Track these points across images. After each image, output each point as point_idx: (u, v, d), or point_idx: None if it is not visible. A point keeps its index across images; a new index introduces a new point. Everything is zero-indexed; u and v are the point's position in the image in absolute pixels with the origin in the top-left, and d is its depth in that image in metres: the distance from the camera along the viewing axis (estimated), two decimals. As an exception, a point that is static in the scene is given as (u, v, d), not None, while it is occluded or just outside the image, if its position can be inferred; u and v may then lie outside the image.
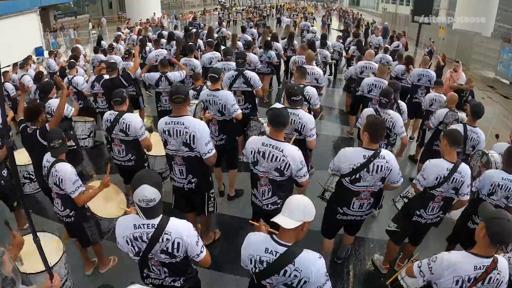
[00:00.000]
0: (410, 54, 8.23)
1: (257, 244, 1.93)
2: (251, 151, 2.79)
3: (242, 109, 4.84)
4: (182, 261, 2.10)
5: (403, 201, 3.52)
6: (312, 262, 1.83)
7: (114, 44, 10.05)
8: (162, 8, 27.97)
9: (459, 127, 3.99)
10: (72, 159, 4.62)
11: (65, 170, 2.83)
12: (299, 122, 3.47)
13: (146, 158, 4.06)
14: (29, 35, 14.77)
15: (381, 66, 5.55)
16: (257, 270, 1.93)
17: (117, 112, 3.62)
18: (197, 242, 2.05)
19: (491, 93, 11.13)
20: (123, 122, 3.57)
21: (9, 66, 10.93)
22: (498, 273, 1.93)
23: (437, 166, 2.89)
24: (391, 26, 21.11)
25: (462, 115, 4.56)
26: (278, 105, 2.95)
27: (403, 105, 4.59)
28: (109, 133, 3.69)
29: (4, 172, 3.82)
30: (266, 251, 1.88)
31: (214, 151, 2.97)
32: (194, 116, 3.78)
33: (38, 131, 3.42)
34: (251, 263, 1.94)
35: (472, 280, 1.91)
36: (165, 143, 3.04)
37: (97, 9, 31.02)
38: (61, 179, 2.83)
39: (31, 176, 4.14)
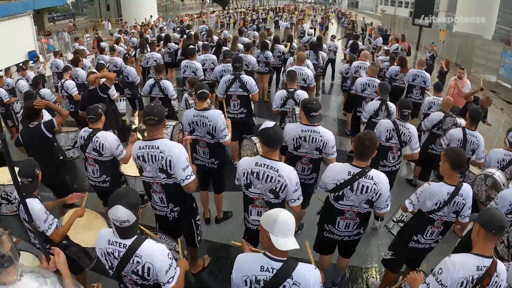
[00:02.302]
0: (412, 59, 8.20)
1: (250, 264, 1.85)
2: (244, 173, 2.61)
3: (237, 114, 4.87)
4: (155, 284, 2.02)
5: (399, 226, 3.25)
6: (309, 274, 1.81)
7: (115, 46, 9.94)
8: (159, 11, 27.75)
9: (458, 131, 4.06)
10: (60, 170, 4.45)
11: (33, 209, 2.51)
12: (321, 140, 3.15)
13: (124, 179, 3.78)
14: (22, 39, 14.49)
15: (372, 66, 5.75)
16: None
17: (91, 130, 3.36)
18: (167, 271, 1.96)
19: (493, 98, 10.82)
20: (97, 141, 3.32)
21: (1, 71, 10.72)
22: (496, 276, 1.94)
23: (436, 194, 2.65)
24: (391, 29, 20.91)
25: (460, 120, 4.55)
26: (268, 123, 2.68)
27: (392, 106, 4.53)
28: (83, 151, 3.47)
29: None
30: (262, 269, 1.81)
31: (193, 177, 2.66)
32: (171, 139, 3.53)
33: (42, 124, 3.60)
34: (246, 285, 1.85)
35: (475, 281, 1.90)
36: (141, 170, 2.73)
37: (94, 12, 30.83)
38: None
39: (8, 197, 3.83)
